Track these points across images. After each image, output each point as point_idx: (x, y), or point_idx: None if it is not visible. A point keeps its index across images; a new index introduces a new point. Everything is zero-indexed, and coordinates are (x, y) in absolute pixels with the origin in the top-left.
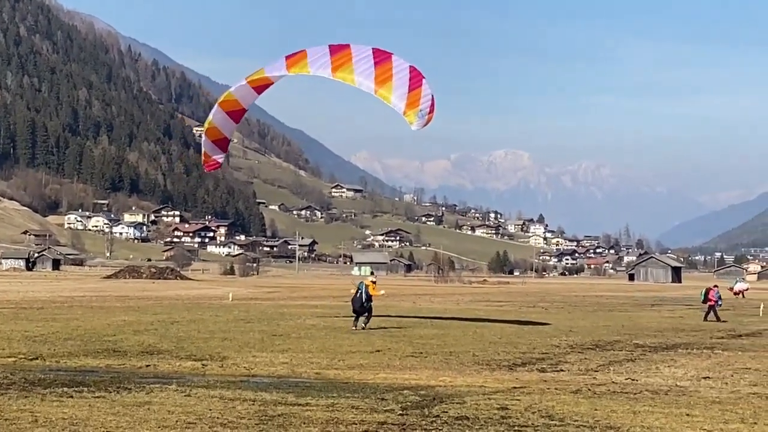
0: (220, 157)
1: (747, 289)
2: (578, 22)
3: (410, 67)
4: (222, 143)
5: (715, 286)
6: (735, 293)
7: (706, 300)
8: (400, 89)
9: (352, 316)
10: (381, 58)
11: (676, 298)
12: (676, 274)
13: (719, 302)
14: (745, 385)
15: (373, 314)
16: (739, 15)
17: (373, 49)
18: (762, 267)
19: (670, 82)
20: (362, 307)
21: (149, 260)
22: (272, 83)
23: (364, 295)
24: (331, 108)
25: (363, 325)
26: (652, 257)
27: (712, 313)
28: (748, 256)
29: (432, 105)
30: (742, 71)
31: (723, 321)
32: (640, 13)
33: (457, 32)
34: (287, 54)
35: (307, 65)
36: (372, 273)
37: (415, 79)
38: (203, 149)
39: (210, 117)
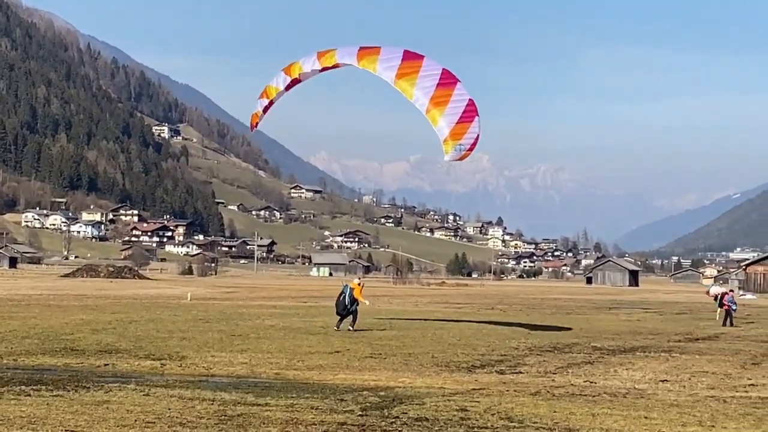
0: (261, 119)
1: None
2: (537, 26)
3: (470, 99)
4: (267, 105)
5: (731, 290)
6: (714, 297)
7: (721, 305)
8: (450, 117)
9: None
10: (446, 81)
11: (633, 302)
12: (634, 277)
13: (734, 307)
14: (703, 388)
15: (358, 317)
16: (698, 21)
17: (443, 69)
18: (718, 271)
19: (627, 87)
20: (345, 310)
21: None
22: (338, 66)
23: (347, 298)
24: (290, 109)
25: (349, 327)
26: (609, 261)
27: (728, 317)
28: (705, 261)
29: (474, 144)
30: (698, 77)
31: (735, 326)
32: (599, 17)
33: (415, 32)
34: (362, 45)
35: (376, 62)
36: (359, 276)
37: (469, 112)
38: (258, 109)
39: (272, 84)
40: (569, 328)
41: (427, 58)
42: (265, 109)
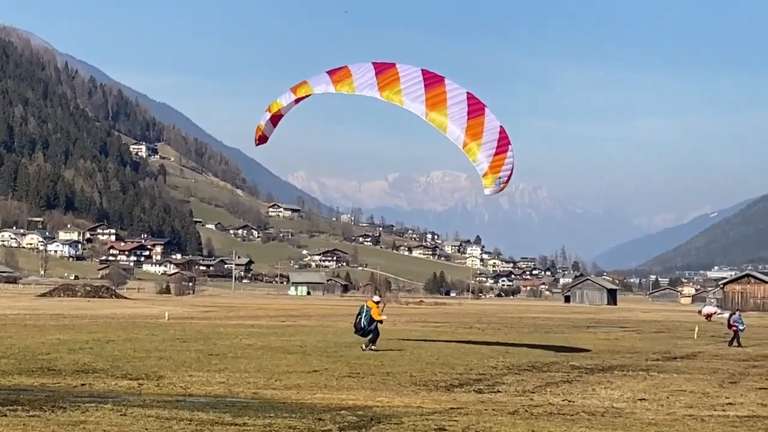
0: (269, 132)
1: (715, 312)
2: (512, 46)
3: (500, 127)
4: (275, 119)
5: (737, 310)
6: (705, 316)
7: (729, 326)
8: (488, 150)
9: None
10: (475, 108)
11: (611, 320)
12: (612, 296)
13: (741, 327)
14: (681, 407)
15: (379, 335)
16: (672, 40)
17: (467, 93)
18: (696, 290)
19: (604, 106)
20: (363, 330)
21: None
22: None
23: (365, 319)
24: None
25: (368, 345)
26: (587, 279)
27: (735, 337)
28: (683, 279)
29: (510, 175)
30: (676, 96)
31: (744, 347)
32: (575, 37)
33: (394, 50)
34: (375, 63)
35: (400, 93)
36: (378, 295)
37: (503, 142)
38: (261, 122)
39: (278, 99)
40: (588, 350)
41: (448, 81)
42: (275, 123)
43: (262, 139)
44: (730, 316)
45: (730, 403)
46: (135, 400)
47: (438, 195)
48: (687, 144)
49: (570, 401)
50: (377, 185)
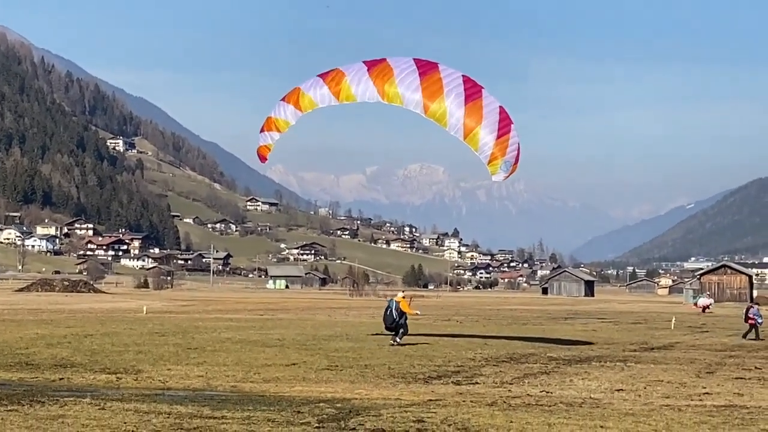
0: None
1: (711, 304)
2: (486, 38)
3: (500, 107)
4: (274, 133)
5: (756, 303)
6: (702, 308)
7: (747, 318)
8: (489, 135)
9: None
10: (471, 92)
11: (589, 312)
12: (589, 288)
13: (759, 320)
14: (658, 397)
15: (408, 331)
16: (649, 33)
17: (464, 77)
18: (673, 281)
19: (581, 99)
20: (394, 323)
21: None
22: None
23: (395, 312)
24: (246, 121)
25: (398, 339)
26: (565, 271)
27: (753, 331)
28: (660, 270)
29: (518, 155)
30: (652, 88)
31: (761, 339)
32: (553, 30)
33: (370, 45)
34: (366, 60)
35: (396, 87)
36: (402, 290)
37: (504, 123)
38: (270, 142)
39: (279, 116)
40: (590, 342)
41: (442, 66)
42: (274, 137)
43: (264, 158)
44: (748, 309)
45: (706, 393)
46: (113, 394)
47: (416, 188)
48: (664, 136)
49: (548, 392)
50: (355, 179)
